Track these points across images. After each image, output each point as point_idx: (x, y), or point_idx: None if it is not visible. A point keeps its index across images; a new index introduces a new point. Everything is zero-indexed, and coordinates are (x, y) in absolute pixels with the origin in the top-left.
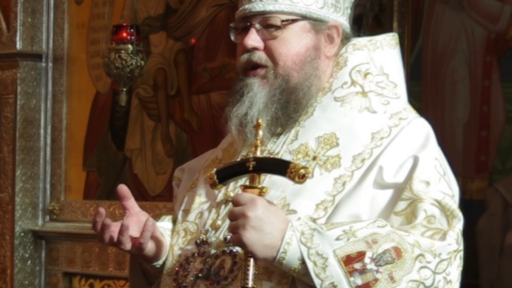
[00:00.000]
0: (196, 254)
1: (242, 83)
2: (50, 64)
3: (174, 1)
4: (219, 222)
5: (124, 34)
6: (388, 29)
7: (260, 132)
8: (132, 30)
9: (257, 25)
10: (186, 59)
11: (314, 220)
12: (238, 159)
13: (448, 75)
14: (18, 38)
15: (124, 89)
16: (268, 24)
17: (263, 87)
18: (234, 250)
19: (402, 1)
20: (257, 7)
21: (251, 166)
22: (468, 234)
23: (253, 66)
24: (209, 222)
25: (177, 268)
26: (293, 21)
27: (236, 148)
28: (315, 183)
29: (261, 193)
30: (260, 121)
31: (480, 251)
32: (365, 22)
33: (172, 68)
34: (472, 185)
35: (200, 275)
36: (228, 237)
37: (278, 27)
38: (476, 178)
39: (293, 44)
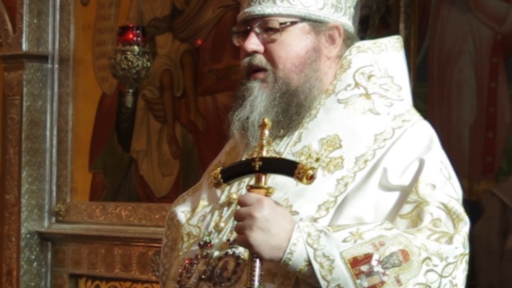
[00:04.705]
0: (199, 256)
1: (244, 87)
2: (56, 66)
3: (180, 2)
4: (222, 224)
5: (130, 36)
6: (395, 30)
7: (266, 132)
8: (138, 31)
9: (257, 29)
10: (192, 60)
11: (315, 220)
12: (243, 159)
13: (454, 76)
14: (24, 39)
15: (130, 91)
16: (267, 27)
17: (263, 91)
18: (237, 252)
19: (408, 2)
20: (256, 10)
21: (257, 166)
22: (471, 235)
23: (255, 70)
24: (212, 224)
25: (180, 270)
26: (292, 23)
27: (239, 152)
28: (317, 184)
29: (268, 193)
30: (266, 120)
31: (476, 255)
32: (371, 23)
33: (178, 70)
34: (478, 186)
35: (203, 276)
36: (231, 239)
37: (277, 30)
38: (483, 180)
39: (293, 46)
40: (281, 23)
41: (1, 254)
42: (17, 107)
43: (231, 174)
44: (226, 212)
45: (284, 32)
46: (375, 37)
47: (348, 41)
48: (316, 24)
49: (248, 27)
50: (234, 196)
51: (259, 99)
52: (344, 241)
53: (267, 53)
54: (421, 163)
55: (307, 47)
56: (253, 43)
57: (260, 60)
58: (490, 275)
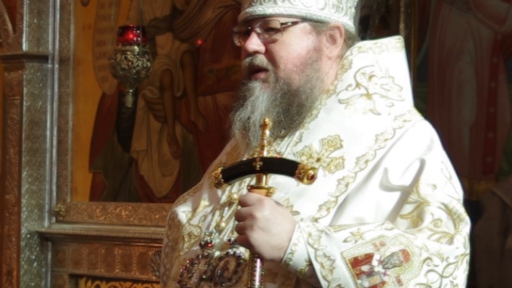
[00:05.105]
0: (200, 256)
1: (245, 87)
2: (56, 66)
3: (180, 2)
4: (222, 224)
5: (130, 36)
6: (395, 30)
7: (267, 132)
8: (138, 31)
9: (258, 29)
10: (192, 61)
11: (316, 220)
12: (244, 159)
13: (454, 76)
14: (24, 39)
15: (130, 91)
16: (269, 28)
17: (264, 91)
18: (238, 252)
19: (409, 2)
20: (257, 10)
21: (258, 166)
22: (471, 235)
23: (256, 70)
24: (213, 224)
25: (181, 270)
26: (293, 23)
27: (240, 152)
28: (318, 184)
29: (268, 193)
30: (267, 120)
31: (477, 255)
32: (372, 23)
33: (178, 70)
34: (478, 186)
35: (204, 276)
36: (232, 239)
37: (278, 30)
38: (483, 180)
39: (294, 46)
40: (282, 23)
41: (1, 254)
42: (17, 107)
43: (232, 174)
44: (227, 212)
45: (285, 32)
46: (375, 37)
47: (349, 41)
48: (317, 24)
49: (249, 27)
50: (235, 196)
51: (260, 99)
52: (345, 241)
53: (268, 53)
54: (422, 163)
55: (308, 47)
56: (254, 43)
57: (261, 60)
58: (490, 275)
